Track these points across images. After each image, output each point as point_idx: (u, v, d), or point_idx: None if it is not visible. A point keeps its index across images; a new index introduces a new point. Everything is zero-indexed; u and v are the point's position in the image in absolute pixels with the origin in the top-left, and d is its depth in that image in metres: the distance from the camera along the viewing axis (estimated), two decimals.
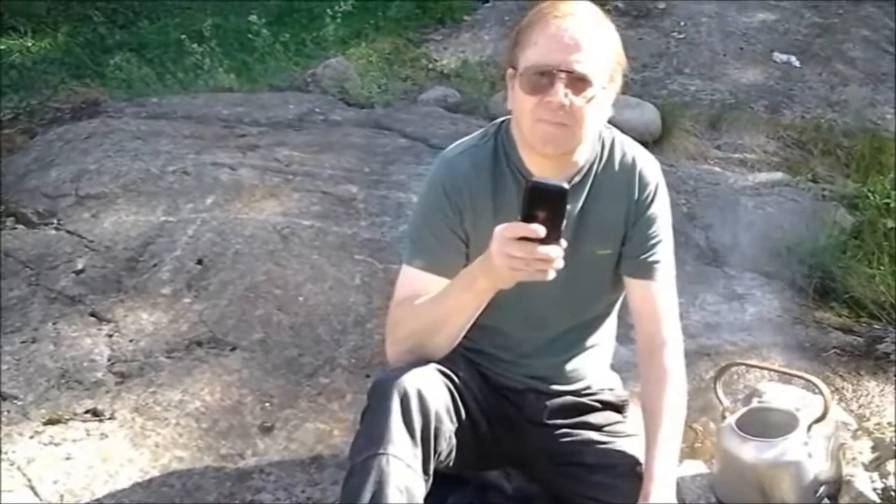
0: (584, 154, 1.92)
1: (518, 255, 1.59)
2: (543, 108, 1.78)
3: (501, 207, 1.91)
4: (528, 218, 1.57)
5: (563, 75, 1.76)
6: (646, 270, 1.97)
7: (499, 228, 1.62)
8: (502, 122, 1.99)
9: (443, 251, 1.93)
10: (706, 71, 5.48)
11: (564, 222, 1.58)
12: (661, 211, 1.99)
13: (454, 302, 1.81)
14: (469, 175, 1.93)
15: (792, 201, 3.98)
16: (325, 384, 2.64)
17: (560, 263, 1.60)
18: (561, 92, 1.76)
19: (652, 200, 1.97)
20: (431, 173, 2.00)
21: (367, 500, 1.69)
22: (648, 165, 1.99)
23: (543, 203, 1.57)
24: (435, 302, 1.84)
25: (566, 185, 1.58)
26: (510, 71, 1.86)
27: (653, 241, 1.97)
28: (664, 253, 1.99)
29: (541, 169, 1.89)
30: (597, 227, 1.95)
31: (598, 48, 1.80)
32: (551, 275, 1.61)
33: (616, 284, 2.03)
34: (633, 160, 1.98)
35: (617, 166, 1.97)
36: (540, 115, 1.79)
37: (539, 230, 1.56)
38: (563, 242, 1.59)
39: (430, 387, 1.82)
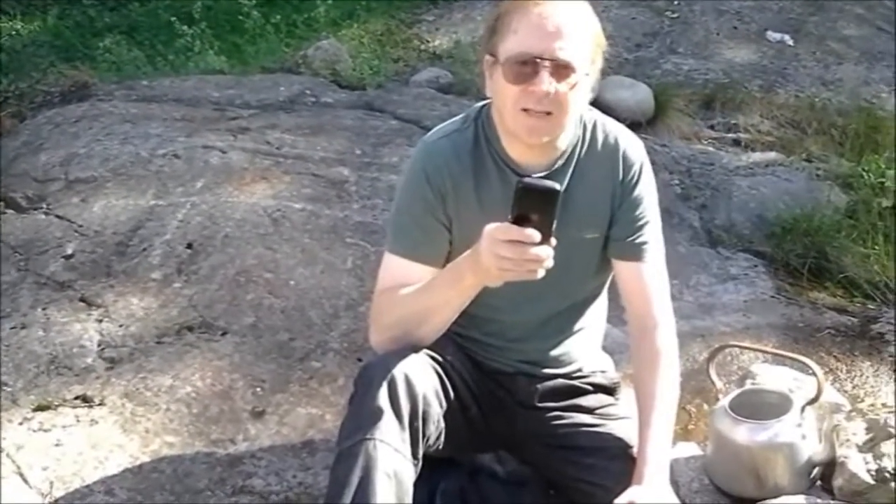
0: (567, 139, 1.91)
1: (508, 255, 1.58)
2: (527, 98, 1.76)
3: (484, 193, 1.90)
4: (518, 218, 1.56)
5: (546, 63, 1.74)
6: (634, 252, 1.96)
7: (489, 228, 1.61)
8: (482, 106, 1.96)
9: (425, 239, 1.92)
10: (700, 50, 5.46)
11: (555, 222, 1.57)
12: (647, 191, 1.98)
13: (440, 296, 1.80)
14: (450, 160, 1.92)
15: (786, 181, 3.96)
16: (316, 368, 2.63)
17: (550, 263, 1.59)
18: (546, 81, 1.74)
19: (637, 181, 1.96)
20: (413, 159, 1.99)
21: (355, 486, 1.69)
22: (632, 146, 1.97)
23: (535, 203, 1.56)
24: (421, 294, 1.83)
25: (558, 186, 1.57)
26: (488, 58, 1.83)
27: (640, 223, 1.96)
28: (652, 233, 1.98)
29: (522, 155, 1.88)
30: (582, 210, 1.93)
31: (580, 33, 1.78)
32: (541, 274, 1.61)
33: (604, 266, 2.02)
34: (616, 141, 1.96)
35: (600, 148, 1.95)
36: (524, 104, 1.77)
37: (533, 236, 1.55)
38: (554, 241, 1.58)
39: (417, 371, 1.81)
